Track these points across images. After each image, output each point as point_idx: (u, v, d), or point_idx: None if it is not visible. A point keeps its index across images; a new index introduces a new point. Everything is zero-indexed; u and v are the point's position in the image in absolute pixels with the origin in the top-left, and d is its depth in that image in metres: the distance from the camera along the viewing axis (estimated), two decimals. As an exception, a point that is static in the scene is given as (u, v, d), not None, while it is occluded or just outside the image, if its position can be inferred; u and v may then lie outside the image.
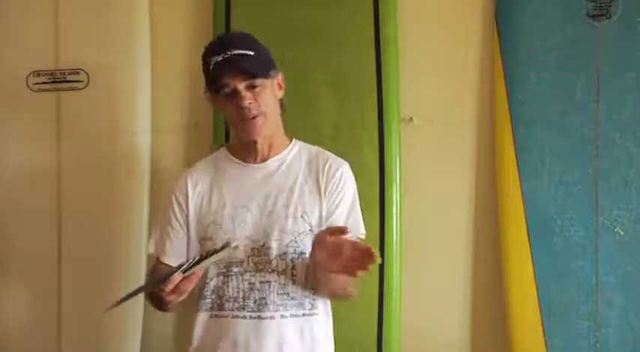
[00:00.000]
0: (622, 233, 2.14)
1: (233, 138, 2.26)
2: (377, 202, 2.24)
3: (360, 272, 1.60)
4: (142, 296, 1.83)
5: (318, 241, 1.68)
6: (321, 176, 1.84)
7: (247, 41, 1.82)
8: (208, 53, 1.81)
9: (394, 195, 2.26)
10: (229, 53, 1.77)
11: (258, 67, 1.78)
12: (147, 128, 2.39)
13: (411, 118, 2.32)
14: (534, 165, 2.20)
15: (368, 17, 2.29)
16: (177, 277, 1.59)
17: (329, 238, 1.65)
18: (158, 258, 1.88)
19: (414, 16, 2.32)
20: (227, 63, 1.76)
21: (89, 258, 2.31)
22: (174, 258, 1.83)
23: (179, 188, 1.87)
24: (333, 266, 1.64)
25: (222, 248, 1.64)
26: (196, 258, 1.62)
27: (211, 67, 1.78)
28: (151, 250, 1.89)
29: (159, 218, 1.91)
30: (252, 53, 1.79)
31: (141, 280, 2.31)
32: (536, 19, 2.22)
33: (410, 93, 2.31)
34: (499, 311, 2.24)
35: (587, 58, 2.18)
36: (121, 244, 2.34)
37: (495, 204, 2.26)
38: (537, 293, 2.17)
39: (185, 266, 1.60)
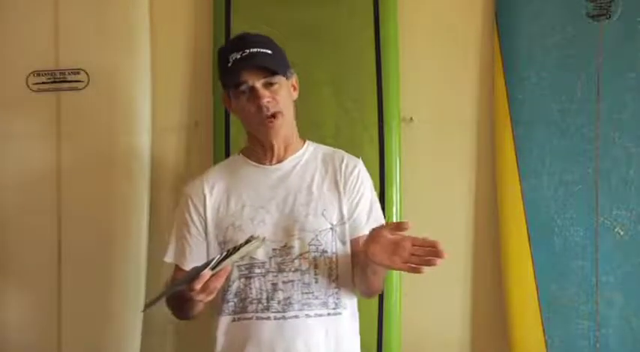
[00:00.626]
0: (622, 233, 2.14)
1: (234, 138, 2.27)
2: (377, 202, 2.23)
3: (425, 269, 1.59)
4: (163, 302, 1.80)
5: (372, 236, 1.65)
6: (338, 174, 1.84)
7: (265, 41, 1.82)
8: (227, 50, 1.81)
9: (394, 195, 2.26)
10: (248, 51, 1.77)
11: (277, 65, 1.79)
12: (147, 128, 2.38)
13: (411, 118, 2.32)
14: (534, 165, 2.20)
15: (368, 17, 2.30)
16: (207, 274, 1.56)
17: (387, 233, 1.62)
18: (176, 267, 1.84)
19: (414, 16, 2.32)
20: (245, 60, 1.76)
21: (89, 258, 2.31)
22: (194, 264, 1.78)
23: (195, 193, 1.85)
24: (392, 261, 1.61)
25: (247, 241, 1.62)
26: (224, 254, 1.59)
27: (230, 64, 1.78)
28: (169, 259, 1.85)
29: (173, 225, 1.87)
30: (270, 52, 1.79)
31: (141, 280, 2.32)
32: (536, 19, 2.22)
33: (410, 93, 2.31)
34: (499, 311, 2.24)
35: (587, 58, 2.18)
36: (120, 244, 2.33)
37: (495, 204, 2.26)
38: (537, 293, 2.17)
39: (213, 262, 1.57)
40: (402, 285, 2.26)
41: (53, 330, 2.33)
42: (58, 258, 2.35)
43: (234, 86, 1.79)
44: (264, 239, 1.69)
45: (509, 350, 2.20)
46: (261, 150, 1.86)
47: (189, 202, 1.85)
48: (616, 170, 2.15)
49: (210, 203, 1.83)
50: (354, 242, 1.82)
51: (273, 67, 1.78)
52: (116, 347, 2.31)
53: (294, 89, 1.87)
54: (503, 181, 2.23)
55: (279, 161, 1.85)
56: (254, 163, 1.87)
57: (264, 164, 1.86)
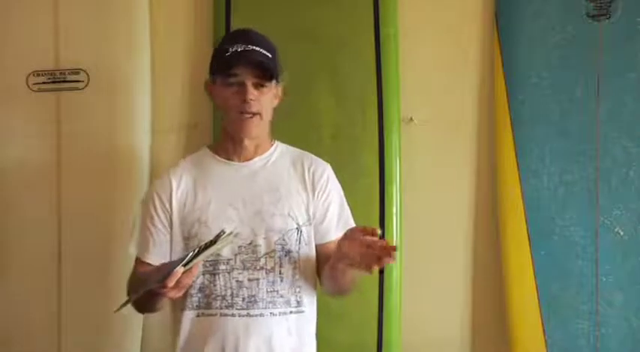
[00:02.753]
0: (622, 233, 2.14)
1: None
2: (377, 202, 2.23)
3: (375, 267, 1.57)
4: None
5: (348, 235, 1.65)
6: (307, 176, 1.85)
7: (268, 44, 1.83)
8: (228, 41, 1.82)
9: (394, 195, 2.26)
10: (250, 47, 1.78)
11: (273, 70, 1.80)
12: (147, 128, 2.38)
13: (411, 118, 2.32)
14: (534, 165, 2.20)
15: (368, 17, 2.30)
16: (179, 271, 1.56)
17: (359, 235, 1.61)
18: (137, 259, 1.85)
19: (414, 16, 2.32)
20: (246, 54, 1.77)
21: (89, 258, 2.31)
22: (157, 257, 1.81)
23: (162, 187, 1.85)
24: (360, 263, 1.60)
25: (218, 236, 1.61)
26: (196, 250, 1.59)
27: (229, 53, 1.78)
28: (133, 251, 1.87)
29: (138, 219, 1.89)
30: (270, 55, 1.81)
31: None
32: (536, 19, 2.22)
33: (410, 93, 2.31)
34: (499, 311, 2.24)
35: (587, 58, 2.18)
36: (120, 244, 2.33)
37: (495, 204, 2.26)
38: (537, 293, 2.17)
39: (186, 259, 1.57)
40: (402, 285, 2.26)
41: (53, 330, 2.33)
42: (58, 257, 2.35)
43: (226, 75, 1.80)
44: (236, 234, 1.68)
45: (509, 350, 2.20)
46: (231, 146, 1.86)
47: (155, 196, 1.85)
48: (616, 170, 2.15)
49: (176, 197, 1.83)
50: (323, 247, 1.83)
51: (271, 71, 1.79)
52: (116, 347, 2.31)
53: (277, 97, 1.87)
54: (503, 181, 2.23)
55: (248, 159, 1.86)
56: (222, 159, 1.87)
57: (232, 160, 1.86)
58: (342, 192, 1.90)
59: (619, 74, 2.16)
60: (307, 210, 1.83)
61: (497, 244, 2.25)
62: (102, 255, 2.31)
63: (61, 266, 2.35)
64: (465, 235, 2.32)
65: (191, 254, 1.58)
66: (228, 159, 1.87)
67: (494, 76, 2.27)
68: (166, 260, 1.79)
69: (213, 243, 1.60)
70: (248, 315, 1.77)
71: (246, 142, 1.84)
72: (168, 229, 1.83)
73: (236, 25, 2.31)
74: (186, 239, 1.81)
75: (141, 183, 2.35)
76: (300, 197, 1.83)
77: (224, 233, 1.61)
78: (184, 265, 1.57)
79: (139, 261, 1.86)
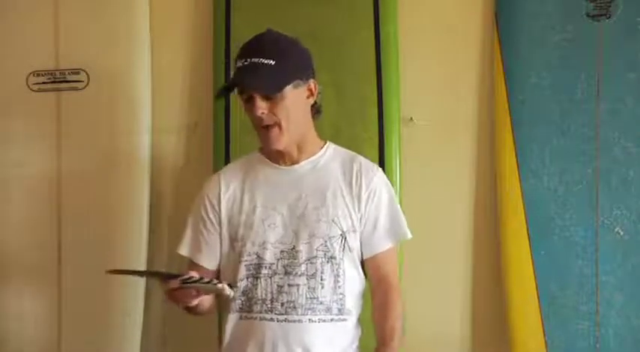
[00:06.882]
0: (622, 233, 2.14)
1: (234, 138, 2.27)
2: (377, 202, 2.23)
3: None
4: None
5: None
6: (354, 183, 1.82)
7: (275, 48, 1.75)
8: (238, 54, 1.78)
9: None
10: (249, 60, 1.73)
11: (272, 80, 1.72)
12: (147, 128, 2.39)
13: (411, 118, 2.32)
14: (534, 165, 2.20)
15: (368, 17, 2.30)
16: (174, 284, 1.61)
17: None
18: (190, 261, 1.86)
19: (414, 16, 2.32)
20: (245, 69, 1.73)
21: (89, 258, 2.31)
22: (209, 259, 1.83)
23: (211, 189, 1.86)
24: None
25: (214, 285, 1.64)
26: (194, 278, 1.63)
27: (234, 70, 1.77)
28: (185, 252, 1.86)
29: (189, 219, 1.88)
30: (272, 63, 1.73)
31: (140, 280, 2.32)
32: (536, 19, 2.22)
33: (410, 93, 2.31)
34: (499, 311, 2.24)
35: (587, 58, 2.18)
36: (120, 244, 2.34)
37: (495, 204, 2.26)
38: (537, 293, 2.17)
39: (183, 277, 1.62)
40: (402, 285, 2.25)
41: (53, 330, 2.34)
42: (58, 258, 2.35)
43: (237, 92, 1.79)
44: (223, 288, 1.65)
45: (509, 350, 2.20)
46: (273, 152, 1.83)
47: (206, 198, 1.85)
48: (616, 170, 2.15)
49: (224, 198, 1.83)
50: (371, 260, 1.83)
51: (265, 85, 1.71)
52: (116, 347, 2.31)
53: (311, 94, 1.81)
54: (503, 181, 2.23)
55: (295, 162, 1.83)
56: (270, 162, 1.85)
57: (280, 164, 1.84)
58: (393, 198, 1.86)
59: (619, 74, 2.16)
60: (352, 217, 1.80)
61: (497, 244, 2.25)
62: (102, 255, 2.31)
63: (61, 266, 2.35)
64: (465, 235, 2.32)
65: (187, 277, 1.62)
66: (276, 162, 1.84)
67: (494, 76, 2.27)
68: (217, 261, 1.83)
69: (207, 283, 1.64)
70: (286, 321, 1.75)
71: (282, 150, 1.80)
72: (218, 230, 1.83)
73: (236, 24, 2.32)
74: (233, 240, 1.81)
75: (141, 183, 2.36)
76: (346, 203, 1.80)
77: (223, 287, 1.63)
78: (184, 282, 1.61)
79: (191, 263, 1.85)
